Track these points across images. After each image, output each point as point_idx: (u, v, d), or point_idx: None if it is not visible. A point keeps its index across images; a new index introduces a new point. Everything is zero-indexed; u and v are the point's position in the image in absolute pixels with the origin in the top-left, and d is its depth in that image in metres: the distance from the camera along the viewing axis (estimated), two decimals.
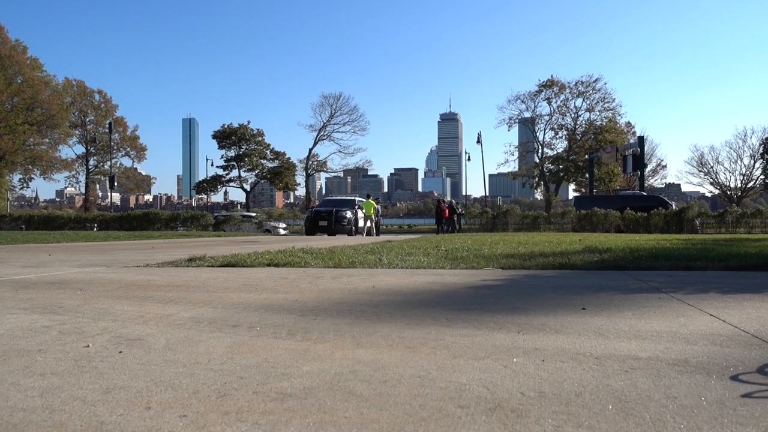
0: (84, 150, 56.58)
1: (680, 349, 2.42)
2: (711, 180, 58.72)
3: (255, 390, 1.89)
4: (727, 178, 58.05)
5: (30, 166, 49.51)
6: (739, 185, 57.41)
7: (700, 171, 58.88)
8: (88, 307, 3.72)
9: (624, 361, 2.24)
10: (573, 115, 56.54)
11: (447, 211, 29.99)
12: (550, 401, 1.76)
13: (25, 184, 53.88)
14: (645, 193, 34.55)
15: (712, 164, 58.18)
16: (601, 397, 1.80)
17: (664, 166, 63.96)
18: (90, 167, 57.37)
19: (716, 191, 60.34)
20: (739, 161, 56.91)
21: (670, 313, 3.34)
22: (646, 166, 43.93)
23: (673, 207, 28.81)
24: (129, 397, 1.82)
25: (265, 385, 1.94)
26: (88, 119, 56.21)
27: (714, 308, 3.46)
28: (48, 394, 1.86)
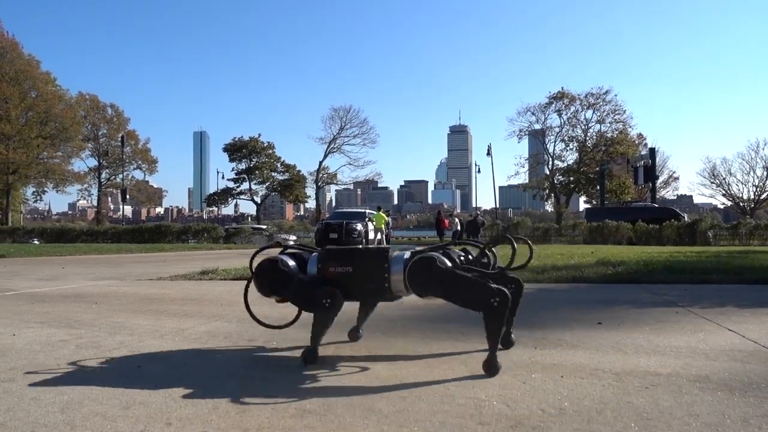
0: (96, 163, 57.09)
1: (701, 365, 2.39)
2: (723, 192, 58.24)
3: (274, 406, 1.89)
4: (739, 190, 57.59)
5: (43, 179, 49.92)
6: (752, 197, 56.91)
7: (712, 182, 58.43)
8: (103, 321, 3.74)
9: (644, 377, 2.22)
10: (583, 127, 56.41)
11: (446, 222, 29.77)
12: (571, 419, 1.75)
13: (38, 197, 54.38)
14: (657, 205, 34.38)
15: (724, 176, 57.74)
16: (622, 414, 1.78)
17: (676, 178, 63.40)
18: (102, 180, 57.82)
19: (729, 203, 59.78)
20: (751, 173, 56.46)
21: (689, 327, 3.30)
22: (657, 177, 43.72)
23: (686, 219, 28.61)
24: (149, 412, 1.83)
25: (284, 401, 1.94)
26: (100, 132, 56.73)
27: (732, 323, 3.42)
28: (68, 409, 1.87)
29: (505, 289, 2.25)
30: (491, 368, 2.28)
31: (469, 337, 3.07)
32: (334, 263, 2.51)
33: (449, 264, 2.40)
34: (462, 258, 2.59)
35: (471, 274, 2.38)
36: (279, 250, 2.71)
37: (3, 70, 43.63)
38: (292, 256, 2.62)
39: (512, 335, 2.74)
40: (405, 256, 2.47)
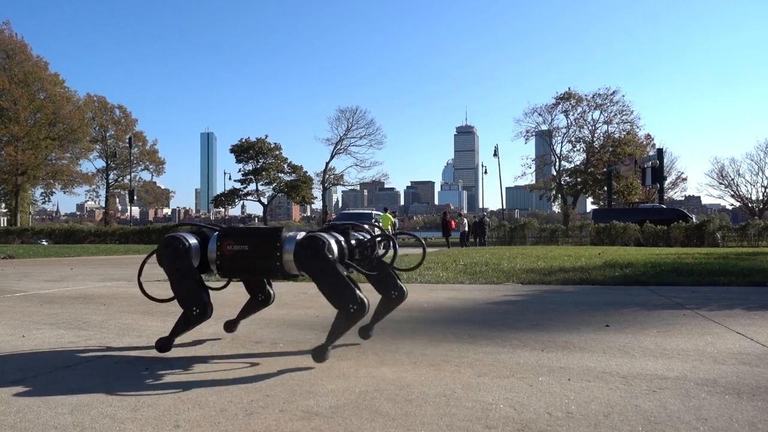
0: (104, 164, 57.44)
1: (708, 369, 2.38)
2: (732, 192, 57.87)
3: (281, 408, 1.90)
4: (748, 191, 57.22)
5: (51, 180, 50.23)
6: (761, 198, 56.56)
7: (720, 183, 58.07)
8: (112, 323, 3.76)
9: (651, 380, 2.21)
10: (590, 128, 56.16)
11: (453, 223, 29.74)
12: (578, 422, 1.75)
13: (46, 198, 54.74)
14: (664, 206, 34.15)
15: (732, 176, 57.38)
16: (630, 418, 1.78)
17: (684, 179, 63.00)
18: (110, 181, 58.14)
19: (737, 204, 59.42)
20: (760, 173, 56.12)
21: (696, 330, 3.29)
22: (665, 178, 43.46)
23: (694, 220, 28.44)
24: (157, 414, 1.84)
25: (292, 404, 1.95)
26: (108, 134, 57.04)
27: (740, 326, 3.41)
28: (78, 411, 1.89)
29: (366, 301, 2.39)
30: (319, 355, 2.42)
31: (477, 339, 3.07)
32: (232, 241, 2.65)
33: (335, 249, 2.50)
34: (354, 241, 2.70)
35: (347, 274, 2.49)
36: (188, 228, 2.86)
37: (12, 71, 43.96)
38: (196, 233, 2.76)
39: (372, 330, 2.97)
40: (297, 237, 2.59)
